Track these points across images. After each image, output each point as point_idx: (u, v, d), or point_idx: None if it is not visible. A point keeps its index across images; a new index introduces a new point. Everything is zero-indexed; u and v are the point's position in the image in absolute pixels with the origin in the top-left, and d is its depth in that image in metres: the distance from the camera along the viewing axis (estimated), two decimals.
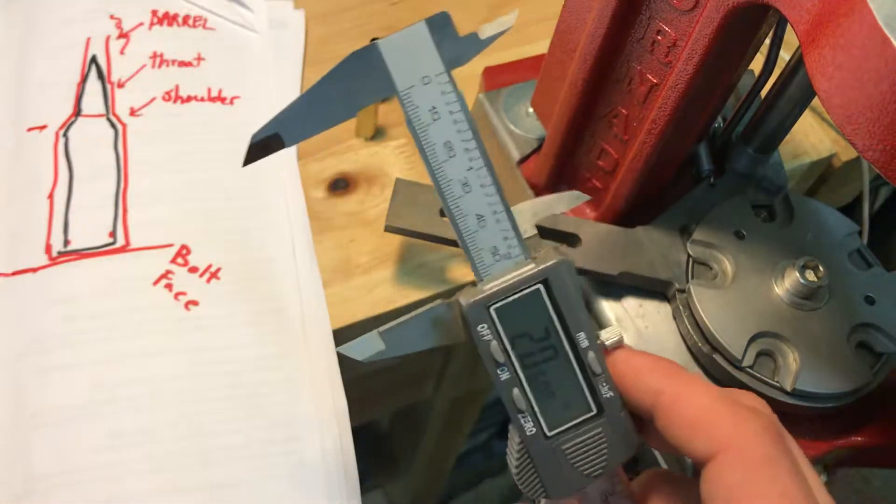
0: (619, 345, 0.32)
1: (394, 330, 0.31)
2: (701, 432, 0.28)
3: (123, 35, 0.59)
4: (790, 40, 0.43)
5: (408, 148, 0.58)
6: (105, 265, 0.49)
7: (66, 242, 0.50)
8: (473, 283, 0.32)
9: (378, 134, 0.58)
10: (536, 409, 0.31)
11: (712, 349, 0.45)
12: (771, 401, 0.43)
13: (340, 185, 0.56)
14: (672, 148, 0.46)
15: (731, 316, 0.45)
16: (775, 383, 0.43)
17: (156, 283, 0.49)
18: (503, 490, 1.43)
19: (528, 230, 0.32)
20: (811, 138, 0.63)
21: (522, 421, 0.31)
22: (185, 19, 0.61)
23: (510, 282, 0.31)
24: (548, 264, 0.31)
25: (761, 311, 0.45)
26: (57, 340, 0.46)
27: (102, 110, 0.56)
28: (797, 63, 0.46)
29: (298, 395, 0.47)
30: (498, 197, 0.31)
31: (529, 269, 0.31)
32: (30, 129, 0.54)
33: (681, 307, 0.46)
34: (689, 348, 0.46)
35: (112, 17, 0.60)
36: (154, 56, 0.59)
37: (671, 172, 0.51)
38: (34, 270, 0.49)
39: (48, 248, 0.49)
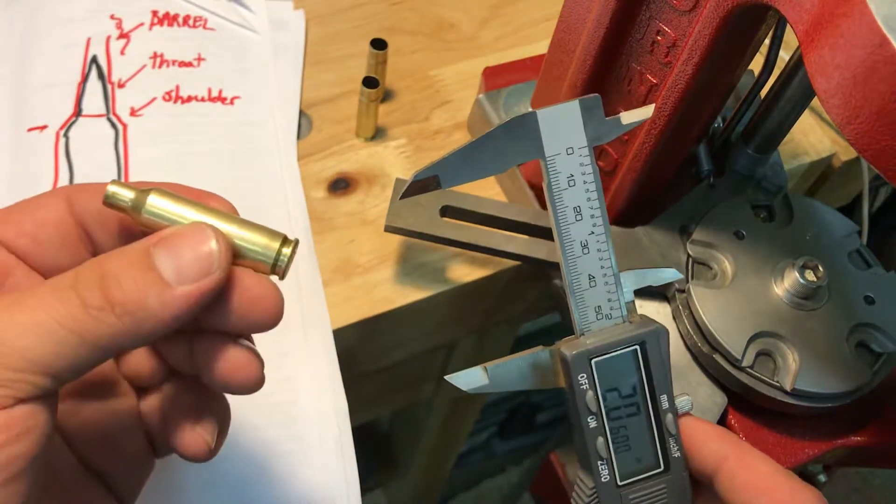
0: (688, 412, 0.35)
1: (498, 367, 0.33)
2: (763, 496, 0.31)
3: (124, 35, 0.59)
4: (790, 40, 0.43)
5: (408, 148, 0.58)
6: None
7: None
8: (568, 333, 0.34)
9: (378, 134, 0.59)
10: (614, 459, 0.34)
11: (712, 349, 0.45)
12: (770, 400, 0.44)
13: (340, 185, 0.56)
14: (672, 148, 0.46)
15: (730, 316, 0.45)
16: (775, 383, 0.43)
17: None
18: (503, 490, 1.44)
19: (628, 295, 0.34)
20: (811, 138, 0.63)
21: (601, 467, 0.34)
22: (186, 20, 0.61)
23: (613, 339, 0.33)
24: (648, 329, 0.34)
25: (761, 311, 0.45)
26: None
27: (103, 110, 0.56)
28: (797, 63, 0.46)
29: (298, 395, 0.47)
30: (611, 262, 0.33)
31: (630, 330, 0.34)
32: (30, 130, 0.54)
33: (681, 307, 0.46)
34: (688, 348, 0.47)
35: (112, 17, 0.60)
36: (154, 56, 0.59)
37: (671, 172, 0.51)
38: None
39: None
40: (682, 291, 0.46)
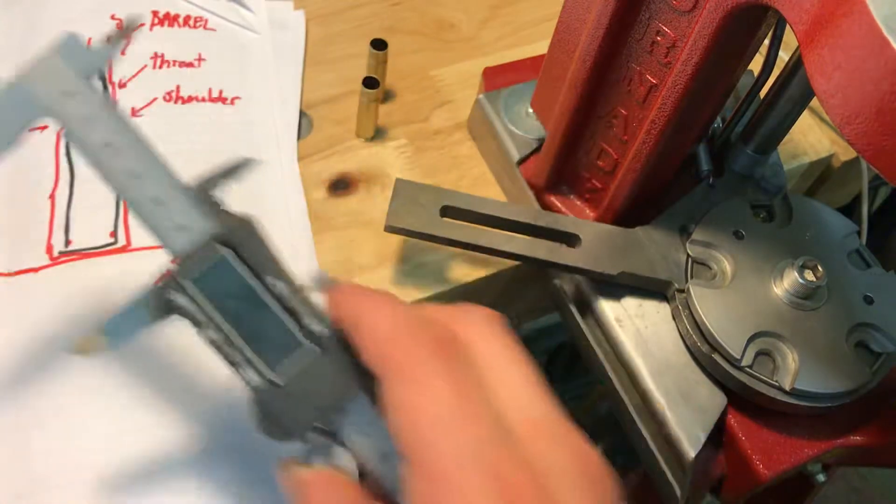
0: (331, 284, 0.33)
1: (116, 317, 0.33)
2: (377, 359, 0.29)
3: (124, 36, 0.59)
4: (789, 41, 0.43)
5: (408, 148, 0.58)
6: (106, 265, 0.49)
7: (68, 242, 0.50)
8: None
9: (378, 134, 0.59)
10: (254, 359, 0.33)
11: (711, 349, 0.45)
12: (770, 400, 0.44)
13: (340, 185, 0.56)
14: (671, 148, 0.46)
15: (730, 316, 0.45)
16: (774, 383, 0.43)
17: (157, 282, 0.50)
18: None
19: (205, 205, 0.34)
20: (810, 138, 0.63)
21: (243, 373, 0.33)
22: (186, 20, 0.61)
23: (201, 255, 0.33)
24: (232, 227, 0.34)
25: (760, 311, 0.45)
26: (58, 341, 0.46)
27: None
28: (796, 63, 0.46)
29: None
30: (168, 179, 0.33)
31: (215, 235, 0.33)
32: (30, 130, 0.54)
33: (680, 307, 0.46)
34: (688, 348, 0.47)
35: (113, 17, 0.60)
36: (155, 57, 0.59)
37: (670, 173, 0.51)
38: (35, 271, 0.49)
39: (49, 249, 0.50)
40: (682, 291, 0.46)
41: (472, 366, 0.29)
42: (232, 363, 0.33)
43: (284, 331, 0.33)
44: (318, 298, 0.33)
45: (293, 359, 0.33)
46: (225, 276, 0.33)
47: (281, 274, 0.33)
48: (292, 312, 0.33)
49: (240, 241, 0.33)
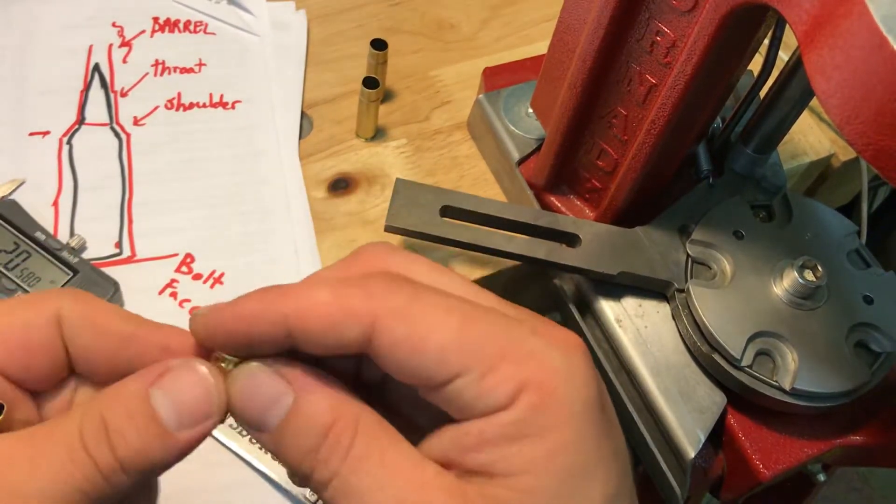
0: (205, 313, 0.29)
1: None
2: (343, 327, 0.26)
3: (126, 44, 0.60)
4: (789, 41, 0.43)
5: (408, 148, 0.58)
6: (111, 276, 0.50)
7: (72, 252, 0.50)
8: None
9: (378, 134, 0.59)
10: (22, 284, 0.47)
11: (711, 349, 0.45)
12: (770, 400, 0.44)
13: (341, 185, 0.56)
14: (671, 148, 0.46)
15: (730, 315, 0.45)
16: (774, 383, 0.44)
17: (161, 292, 0.50)
18: None
19: None
20: (810, 138, 0.63)
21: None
22: (186, 25, 0.61)
23: None
24: None
25: (760, 311, 0.45)
26: None
27: (106, 119, 0.56)
28: (796, 63, 0.46)
29: None
30: None
31: None
32: (32, 134, 0.55)
33: (680, 307, 0.46)
34: (688, 348, 0.47)
35: (114, 24, 0.60)
36: (156, 64, 0.59)
37: (670, 173, 0.51)
38: None
39: None
40: (682, 291, 0.46)
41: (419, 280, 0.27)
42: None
43: (52, 266, 0.48)
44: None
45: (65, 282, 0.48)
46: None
47: (39, 230, 0.49)
48: (54, 255, 0.48)
49: (8, 213, 0.49)
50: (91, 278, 0.48)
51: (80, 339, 0.28)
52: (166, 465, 0.26)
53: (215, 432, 0.44)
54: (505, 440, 0.25)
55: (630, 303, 0.48)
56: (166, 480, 0.30)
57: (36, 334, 0.28)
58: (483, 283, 0.54)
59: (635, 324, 0.47)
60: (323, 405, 0.26)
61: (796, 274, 0.45)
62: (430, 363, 0.25)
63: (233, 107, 0.58)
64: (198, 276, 0.51)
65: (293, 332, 0.26)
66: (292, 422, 0.26)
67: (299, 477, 0.26)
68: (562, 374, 0.25)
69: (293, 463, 0.26)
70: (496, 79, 0.57)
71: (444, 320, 0.25)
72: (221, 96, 0.59)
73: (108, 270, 0.50)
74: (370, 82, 0.55)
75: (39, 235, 0.49)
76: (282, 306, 0.26)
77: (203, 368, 0.27)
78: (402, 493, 0.25)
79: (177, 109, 0.58)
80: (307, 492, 0.45)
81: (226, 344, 0.27)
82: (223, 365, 0.27)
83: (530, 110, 0.55)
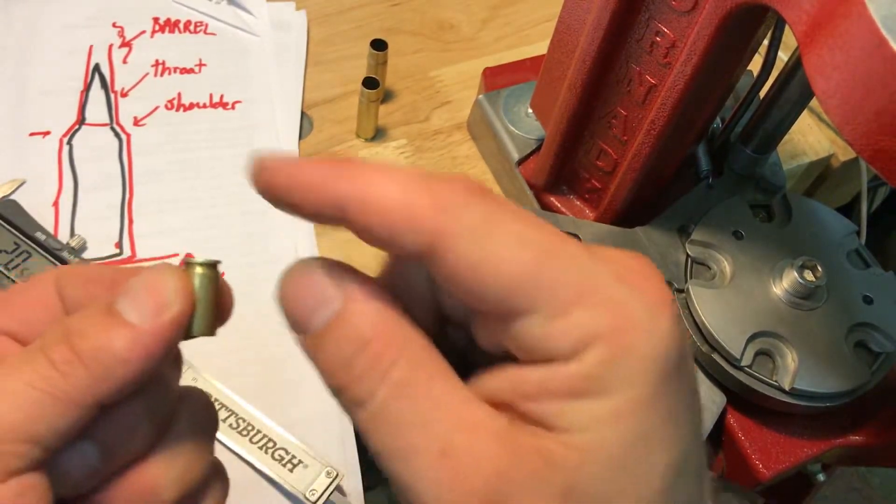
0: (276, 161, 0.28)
1: None
2: (412, 226, 0.23)
3: (126, 44, 0.60)
4: (788, 41, 0.43)
5: (408, 148, 0.58)
6: None
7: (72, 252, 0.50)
8: None
9: (378, 134, 0.59)
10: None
11: (711, 349, 0.45)
12: (769, 400, 0.44)
13: None
14: (671, 148, 0.46)
15: (729, 315, 0.45)
16: (774, 382, 0.44)
17: None
18: None
19: None
20: (809, 138, 0.63)
21: None
22: (187, 25, 0.61)
23: None
24: None
25: (760, 311, 0.45)
26: None
27: (106, 119, 0.56)
28: (795, 64, 0.46)
29: (300, 397, 0.48)
30: None
31: None
32: (32, 134, 0.55)
33: (680, 307, 0.46)
34: None
35: (114, 24, 0.60)
36: (156, 64, 0.59)
37: (670, 173, 0.51)
38: None
39: None
40: (682, 291, 0.46)
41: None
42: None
43: (45, 264, 0.49)
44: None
45: None
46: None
47: (40, 230, 0.49)
48: (50, 252, 0.49)
49: (3, 211, 0.50)
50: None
51: (73, 290, 0.28)
52: (133, 361, 0.25)
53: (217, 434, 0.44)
54: (568, 394, 0.22)
55: None
56: None
57: (34, 291, 0.28)
58: None
59: None
60: (367, 317, 0.24)
61: (796, 274, 0.45)
62: (495, 293, 0.22)
63: (233, 107, 0.58)
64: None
65: (350, 220, 0.23)
66: (334, 328, 0.24)
67: (331, 391, 0.25)
68: (642, 327, 0.22)
69: (326, 373, 0.24)
70: (496, 79, 0.58)
71: (521, 251, 0.22)
72: (221, 96, 0.59)
73: None
74: (370, 82, 0.55)
75: (39, 235, 0.49)
76: (344, 188, 0.23)
77: (162, 267, 0.26)
78: (448, 434, 0.22)
79: (177, 110, 0.58)
80: (307, 492, 0.45)
81: (279, 203, 0.25)
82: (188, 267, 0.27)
83: (530, 110, 0.55)
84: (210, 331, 0.27)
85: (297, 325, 0.25)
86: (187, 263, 0.27)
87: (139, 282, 0.26)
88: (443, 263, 0.23)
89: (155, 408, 0.27)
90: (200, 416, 0.29)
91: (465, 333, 0.27)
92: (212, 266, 0.27)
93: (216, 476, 0.30)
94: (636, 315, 0.23)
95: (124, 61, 0.59)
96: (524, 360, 0.23)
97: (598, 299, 0.22)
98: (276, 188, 0.25)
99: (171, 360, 0.26)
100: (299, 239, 0.53)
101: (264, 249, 0.53)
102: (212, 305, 0.27)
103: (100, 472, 0.26)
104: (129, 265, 0.51)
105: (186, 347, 0.28)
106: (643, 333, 0.22)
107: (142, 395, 0.26)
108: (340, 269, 0.25)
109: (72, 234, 0.51)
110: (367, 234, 0.23)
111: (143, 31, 0.60)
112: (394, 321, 0.24)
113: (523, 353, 0.23)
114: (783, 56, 0.46)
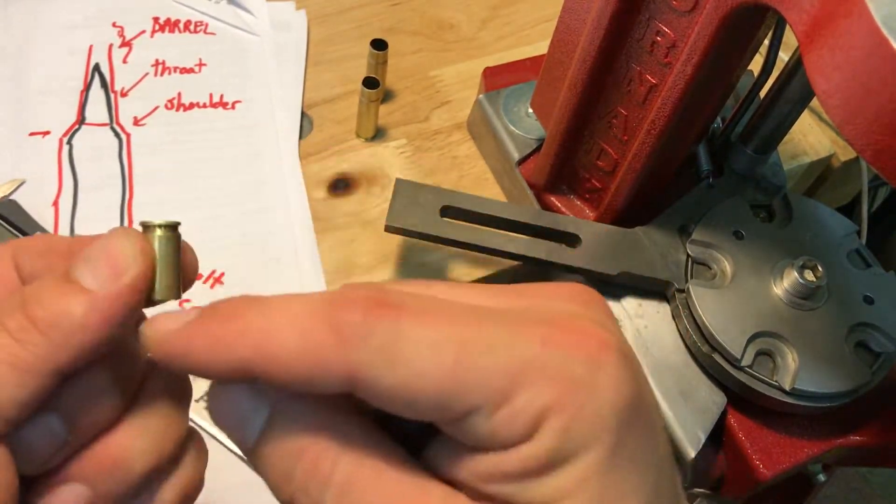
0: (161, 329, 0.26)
1: None
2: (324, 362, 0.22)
3: (126, 44, 0.60)
4: (789, 41, 0.43)
5: (408, 148, 0.58)
6: None
7: None
8: None
9: (378, 134, 0.59)
10: None
11: (711, 349, 0.45)
12: (770, 400, 0.44)
13: (341, 185, 0.56)
14: (671, 148, 0.46)
15: (730, 316, 0.45)
16: (774, 383, 0.43)
17: None
18: None
19: None
20: (810, 138, 0.63)
21: None
22: (186, 25, 0.61)
23: None
24: None
25: (760, 311, 0.45)
26: None
27: (106, 119, 0.56)
28: (796, 64, 0.46)
29: None
30: None
31: None
32: (32, 134, 0.55)
33: (680, 307, 0.46)
34: (688, 348, 0.47)
35: (114, 24, 0.60)
36: (156, 64, 0.59)
37: (670, 173, 0.51)
38: None
39: None
40: (682, 291, 0.46)
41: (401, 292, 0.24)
42: None
43: None
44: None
45: None
46: None
47: (39, 230, 0.49)
48: None
49: (5, 212, 0.49)
50: None
51: (29, 262, 0.27)
52: (92, 327, 0.24)
53: (219, 435, 0.44)
54: (531, 473, 0.22)
55: (630, 303, 0.48)
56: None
57: None
58: (483, 283, 0.54)
59: (635, 324, 0.47)
60: (297, 424, 0.23)
61: (796, 274, 0.45)
62: (427, 409, 0.22)
63: (233, 107, 0.58)
64: (198, 277, 0.51)
65: (261, 381, 0.22)
66: (266, 441, 0.24)
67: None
68: (585, 385, 0.22)
69: (274, 488, 0.24)
70: (496, 79, 0.57)
71: (438, 358, 0.21)
72: (221, 96, 0.59)
73: None
74: (370, 82, 0.55)
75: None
76: (241, 351, 0.22)
77: (118, 231, 0.25)
78: None
79: (177, 109, 0.58)
80: None
81: (182, 370, 0.24)
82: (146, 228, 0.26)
83: (530, 110, 0.55)
84: (173, 294, 0.26)
85: (237, 442, 0.25)
86: (145, 226, 0.26)
87: (96, 248, 0.25)
88: (367, 393, 0.22)
89: (121, 376, 0.26)
90: (172, 384, 0.28)
91: None
92: (172, 227, 0.26)
93: (192, 446, 0.29)
94: (576, 375, 0.22)
95: (124, 61, 0.59)
96: (479, 448, 0.23)
97: (533, 376, 0.22)
98: (174, 359, 0.23)
99: (135, 326, 0.25)
100: (299, 240, 0.53)
101: (264, 250, 0.53)
102: (173, 268, 0.26)
103: (67, 444, 0.25)
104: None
105: None
106: (588, 391, 0.22)
107: (106, 363, 0.26)
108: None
109: (71, 234, 0.51)
110: (285, 386, 0.22)
111: (143, 31, 0.60)
112: (327, 422, 0.23)
113: (476, 444, 0.23)
114: (783, 56, 0.46)
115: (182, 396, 0.28)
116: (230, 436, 0.25)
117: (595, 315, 0.24)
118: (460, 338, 0.22)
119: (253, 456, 0.24)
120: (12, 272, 0.27)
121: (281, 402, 0.24)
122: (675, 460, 0.25)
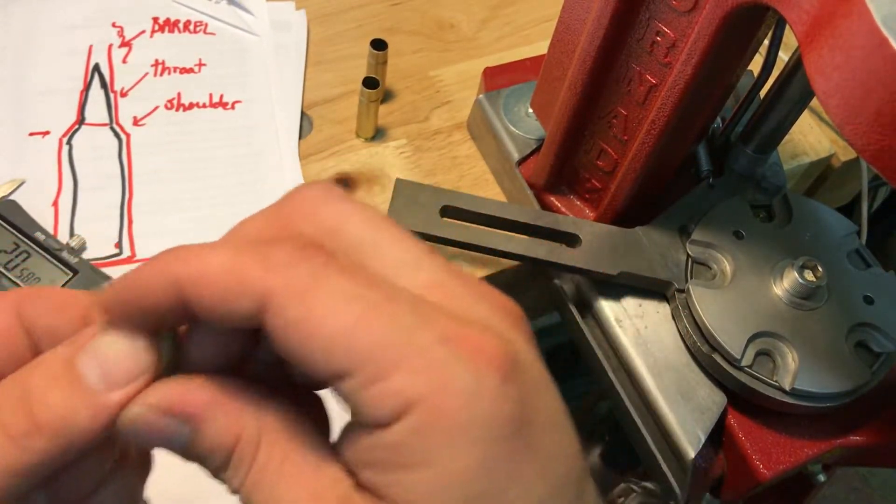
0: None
1: None
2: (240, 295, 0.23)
3: (125, 44, 0.60)
4: (789, 41, 0.43)
5: (408, 148, 0.58)
6: (111, 276, 0.50)
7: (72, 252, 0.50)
8: None
9: (378, 134, 0.59)
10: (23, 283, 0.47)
11: (711, 349, 0.45)
12: (770, 400, 0.44)
13: (341, 185, 0.56)
14: (671, 148, 0.46)
15: (730, 316, 0.45)
16: (774, 382, 0.44)
17: None
18: None
19: None
20: (810, 138, 0.63)
21: None
22: (186, 25, 0.61)
23: None
24: None
25: (760, 311, 0.45)
26: None
27: (106, 119, 0.56)
28: (796, 63, 0.46)
29: None
30: None
31: None
32: (32, 134, 0.55)
33: (680, 307, 0.46)
34: (688, 348, 0.47)
35: (114, 24, 0.60)
36: (156, 64, 0.59)
37: (670, 173, 0.51)
38: None
39: None
40: (682, 291, 0.46)
41: (344, 252, 0.24)
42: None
43: (53, 267, 0.48)
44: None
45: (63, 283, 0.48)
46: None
47: (39, 230, 0.49)
48: (53, 254, 0.48)
49: (4, 211, 0.50)
50: (91, 278, 0.48)
51: (42, 317, 0.26)
52: (95, 431, 0.24)
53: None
54: (388, 464, 0.22)
55: (630, 303, 0.48)
56: (169, 482, 0.29)
57: None
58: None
59: (635, 324, 0.47)
60: (222, 427, 0.24)
61: (796, 274, 0.45)
62: (316, 354, 0.22)
63: (233, 107, 0.58)
64: None
65: (187, 300, 0.23)
66: (197, 446, 0.24)
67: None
68: (464, 392, 0.21)
69: (213, 476, 0.25)
70: (496, 79, 0.57)
71: (343, 308, 0.21)
72: (221, 96, 0.59)
73: (108, 271, 0.50)
74: (370, 82, 0.55)
75: (39, 235, 0.49)
76: (175, 270, 0.23)
77: (127, 327, 0.25)
78: None
79: (177, 109, 0.58)
80: None
81: (127, 317, 0.24)
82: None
83: (530, 110, 0.55)
84: None
85: (168, 449, 0.25)
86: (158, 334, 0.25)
87: (106, 340, 0.24)
88: (273, 325, 0.22)
89: (106, 453, 0.26)
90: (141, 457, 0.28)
91: None
92: (175, 334, 0.26)
93: None
94: (457, 380, 0.21)
95: (124, 61, 0.59)
96: (357, 423, 0.23)
97: (417, 364, 0.21)
98: (116, 301, 0.24)
99: None
100: None
101: None
102: (172, 372, 0.26)
103: None
104: (127, 264, 0.51)
105: None
106: (463, 399, 0.21)
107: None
108: (177, 386, 0.24)
109: (71, 234, 0.51)
110: (205, 310, 0.23)
111: (143, 31, 0.60)
112: (248, 413, 0.24)
113: (353, 417, 0.23)
114: (783, 56, 0.46)
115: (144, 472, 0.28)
116: (164, 448, 0.25)
117: (510, 332, 0.24)
118: (370, 301, 0.22)
119: (190, 457, 0.25)
120: (16, 326, 0.26)
121: (202, 407, 0.24)
122: (587, 483, 0.24)
